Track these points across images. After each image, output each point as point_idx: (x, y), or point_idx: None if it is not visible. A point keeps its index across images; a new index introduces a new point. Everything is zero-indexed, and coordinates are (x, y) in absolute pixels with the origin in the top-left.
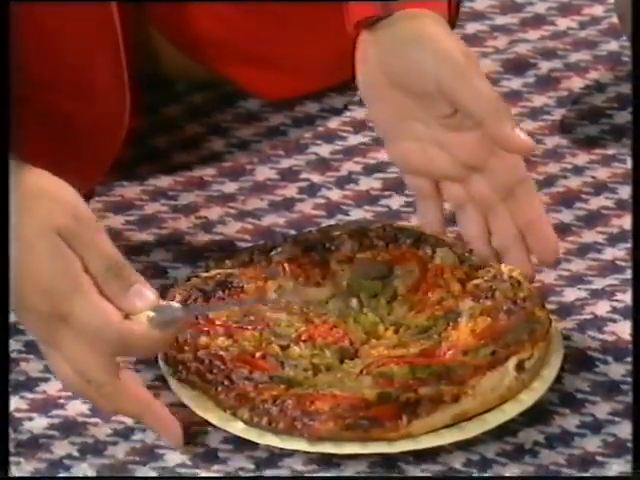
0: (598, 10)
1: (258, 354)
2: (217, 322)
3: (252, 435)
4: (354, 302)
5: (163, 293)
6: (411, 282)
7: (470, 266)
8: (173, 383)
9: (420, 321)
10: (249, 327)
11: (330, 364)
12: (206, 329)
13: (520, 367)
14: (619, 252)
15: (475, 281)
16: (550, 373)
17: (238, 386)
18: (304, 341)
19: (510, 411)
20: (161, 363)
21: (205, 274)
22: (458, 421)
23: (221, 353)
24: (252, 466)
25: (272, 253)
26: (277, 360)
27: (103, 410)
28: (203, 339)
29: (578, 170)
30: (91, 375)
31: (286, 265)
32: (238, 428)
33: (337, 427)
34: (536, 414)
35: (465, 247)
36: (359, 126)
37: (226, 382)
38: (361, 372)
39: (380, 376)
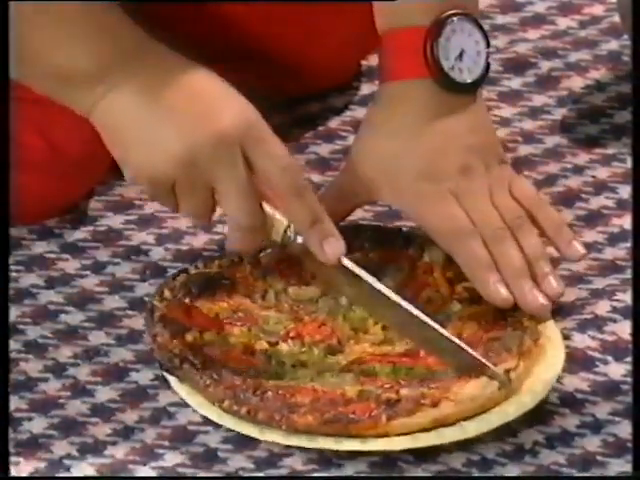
0: (598, 9)
1: (246, 350)
2: (205, 318)
3: (253, 432)
4: (343, 300)
5: None
6: (400, 279)
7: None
8: (173, 382)
9: None
10: (238, 324)
11: (315, 359)
12: (194, 325)
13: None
14: (619, 252)
15: (465, 283)
16: (551, 374)
17: (226, 380)
18: (292, 338)
19: (512, 412)
20: (158, 357)
21: (194, 270)
22: (437, 426)
23: (209, 348)
24: (252, 466)
25: (261, 255)
26: (265, 356)
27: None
28: (191, 334)
29: (578, 169)
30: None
31: (275, 265)
32: (233, 422)
33: (315, 421)
34: (536, 414)
35: None
36: (359, 126)
37: (215, 376)
38: (344, 369)
39: (362, 374)
